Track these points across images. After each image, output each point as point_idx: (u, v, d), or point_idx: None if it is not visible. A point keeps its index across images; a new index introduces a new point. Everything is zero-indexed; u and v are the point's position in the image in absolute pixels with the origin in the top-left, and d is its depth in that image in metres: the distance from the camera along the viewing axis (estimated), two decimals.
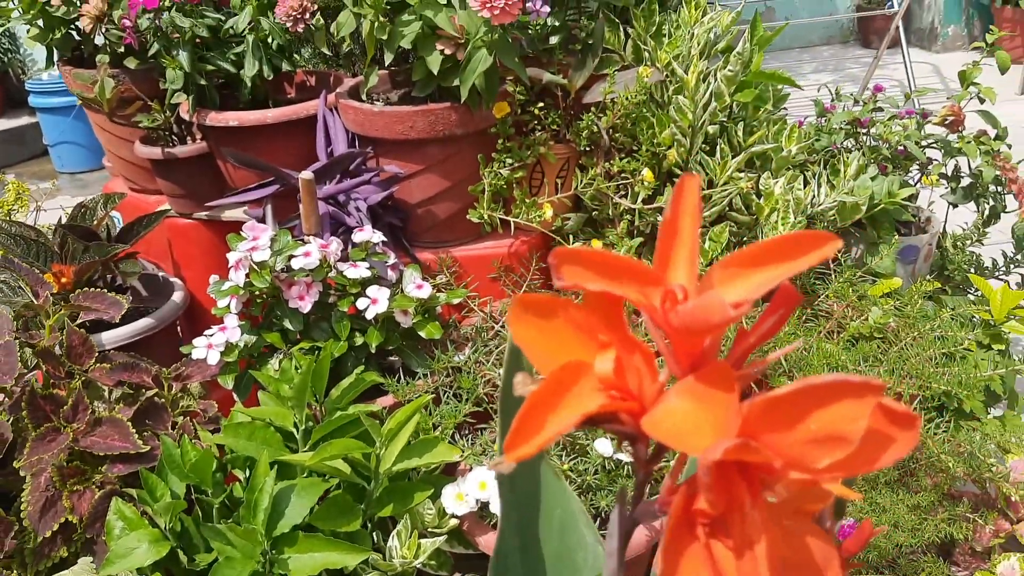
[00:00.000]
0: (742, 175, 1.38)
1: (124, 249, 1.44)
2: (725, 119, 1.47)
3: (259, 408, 1.11)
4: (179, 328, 1.61)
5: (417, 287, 1.21)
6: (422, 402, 1.03)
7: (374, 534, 1.10)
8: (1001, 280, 1.75)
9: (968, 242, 1.81)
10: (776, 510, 0.37)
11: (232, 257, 1.15)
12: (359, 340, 1.22)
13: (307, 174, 1.22)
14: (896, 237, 1.58)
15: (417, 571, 1.09)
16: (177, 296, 1.56)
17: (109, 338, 1.43)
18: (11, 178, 2.11)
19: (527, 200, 1.33)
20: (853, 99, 1.74)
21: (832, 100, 1.75)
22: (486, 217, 1.31)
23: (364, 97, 1.38)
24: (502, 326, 1.31)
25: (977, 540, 1.24)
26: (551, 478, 0.62)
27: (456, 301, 1.28)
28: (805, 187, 1.40)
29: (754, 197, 1.41)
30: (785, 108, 1.60)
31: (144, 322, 1.47)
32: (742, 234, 1.45)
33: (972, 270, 1.79)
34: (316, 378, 1.09)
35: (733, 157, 1.40)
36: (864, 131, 1.69)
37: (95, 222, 1.49)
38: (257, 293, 1.19)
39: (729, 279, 0.37)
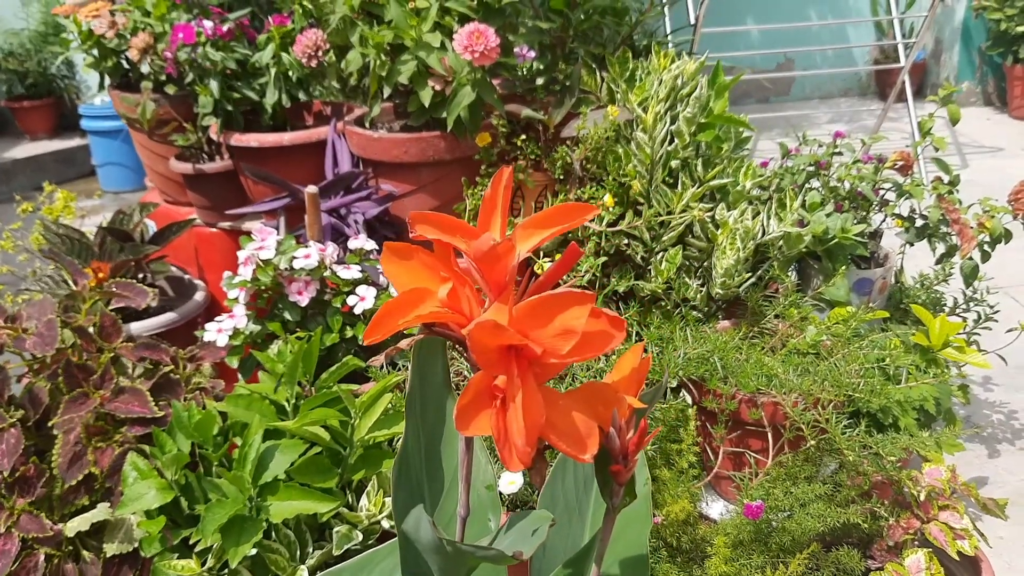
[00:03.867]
0: (697, 205, 1.55)
1: (155, 251, 1.65)
2: (690, 155, 1.65)
3: (257, 384, 1.30)
4: (200, 324, 1.81)
5: None
6: (392, 379, 1.21)
7: (351, 496, 1.28)
8: (960, 317, 1.88)
9: (935, 281, 1.95)
10: (555, 395, 0.55)
11: (241, 255, 1.35)
12: (349, 333, 1.40)
13: (312, 189, 1.42)
14: (846, 268, 1.74)
15: (383, 531, 1.27)
16: (199, 296, 1.76)
17: (137, 328, 1.64)
18: (59, 194, 2.34)
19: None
20: (818, 143, 1.91)
21: (799, 144, 1.92)
22: None
23: (368, 125, 1.59)
24: None
25: (891, 536, 1.38)
26: None
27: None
28: (755, 218, 1.57)
29: (710, 225, 1.58)
30: (747, 149, 1.78)
31: (168, 316, 1.67)
32: (701, 258, 1.62)
33: (933, 308, 1.93)
34: (307, 359, 1.28)
35: (693, 188, 1.57)
36: (826, 172, 1.86)
37: (132, 226, 1.70)
38: (263, 288, 1.38)
39: (526, 235, 0.55)
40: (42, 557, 1.25)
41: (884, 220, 1.91)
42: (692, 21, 3.40)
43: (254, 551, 1.12)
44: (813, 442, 1.29)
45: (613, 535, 0.70)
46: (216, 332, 1.36)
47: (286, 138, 1.60)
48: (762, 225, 1.58)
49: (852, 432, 1.32)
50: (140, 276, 1.72)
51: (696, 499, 1.45)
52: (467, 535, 0.68)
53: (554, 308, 0.50)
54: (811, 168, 1.85)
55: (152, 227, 1.92)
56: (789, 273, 1.65)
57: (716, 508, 1.49)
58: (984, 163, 3.98)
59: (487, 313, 0.53)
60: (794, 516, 1.29)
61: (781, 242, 1.60)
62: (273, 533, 1.18)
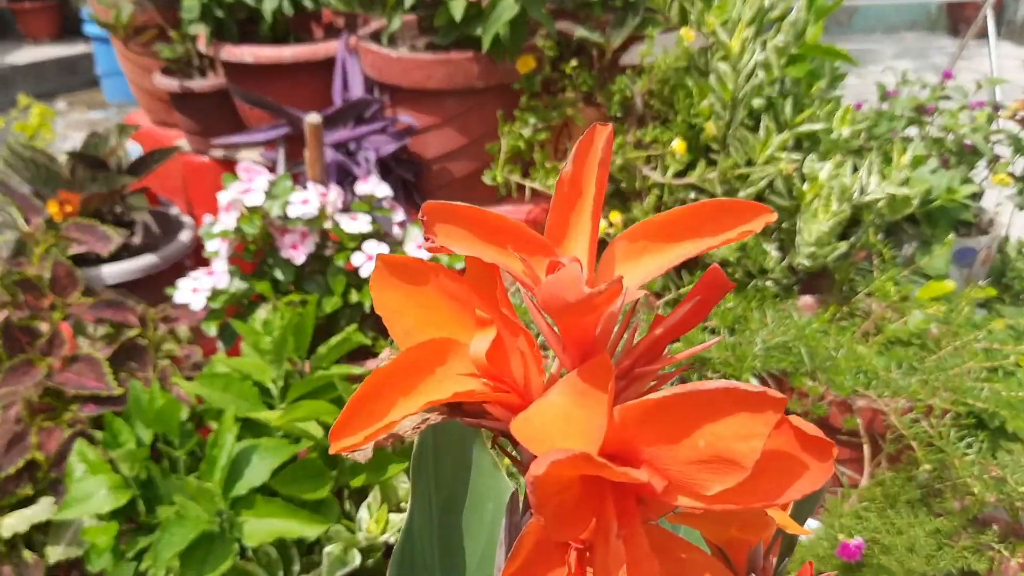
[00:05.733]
0: (784, 156, 1.27)
1: (132, 182, 1.39)
2: (774, 94, 1.36)
3: (238, 360, 1.05)
4: (188, 268, 1.57)
5: (418, 247, 1.14)
6: None
7: (347, 503, 1.05)
8: None
9: None
10: (669, 539, 0.29)
11: (223, 198, 1.10)
12: (355, 298, 1.15)
13: (314, 117, 1.16)
14: (952, 237, 1.46)
15: (387, 545, 1.03)
16: (185, 235, 1.51)
17: (110, 273, 1.39)
18: (61, 105, 2.09)
19: (547, 164, 1.24)
20: (920, 84, 1.61)
21: (897, 84, 1.63)
22: (500, 179, 1.23)
23: (386, 41, 1.31)
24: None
25: (1002, 572, 1.13)
26: (488, 467, 0.55)
27: (459, 266, 1.20)
28: (854, 174, 1.29)
29: (797, 181, 1.31)
30: (841, 89, 1.49)
31: (147, 259, 1.43)
32: (781, 218, 1.35)
33: None
34: (298, 333, 1.03)
35: (778, 135, 1.29)
36: (929, 119, 1.56)
37: (107, 152, 1.45)
38: (250, 239, 1.13)
39: (635, 253, 0.29)
40: None
41: (986, 178, 1.62)
42: None
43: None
44: (928, 465, 1.03)
45: None
46: (191, 292, 1.11)
47: (287, 53, 1.33)
48: (860, 183, 1.30)
49: (974, 451, 1.06)
50: (118, 211, 1.47)
51: None
52: None
53: (699, 414, 0.24)
54: (912, 114, 1.56)
55: (137, 151, 1.67)
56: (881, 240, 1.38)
57: None
58: None
59: (551, 400, 0.27)
60: (893, 552, 1.04)
61: (881, 204, 1.32)
62: (250, 550, 0.95)
